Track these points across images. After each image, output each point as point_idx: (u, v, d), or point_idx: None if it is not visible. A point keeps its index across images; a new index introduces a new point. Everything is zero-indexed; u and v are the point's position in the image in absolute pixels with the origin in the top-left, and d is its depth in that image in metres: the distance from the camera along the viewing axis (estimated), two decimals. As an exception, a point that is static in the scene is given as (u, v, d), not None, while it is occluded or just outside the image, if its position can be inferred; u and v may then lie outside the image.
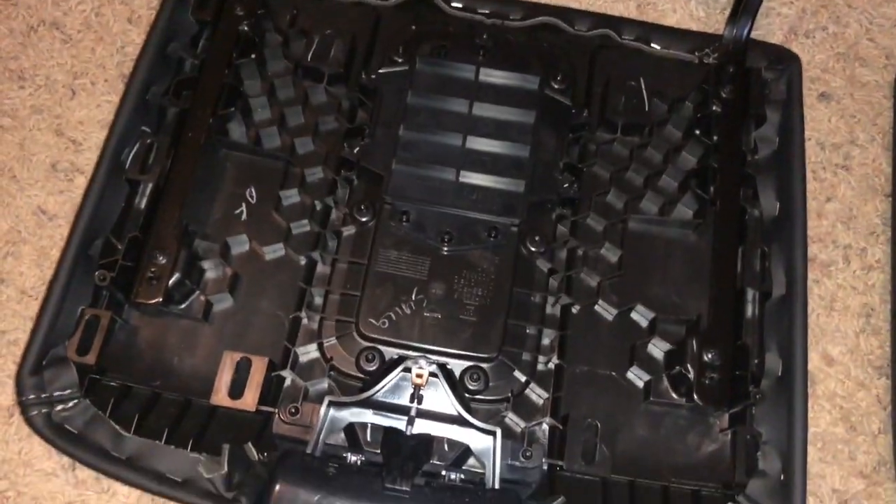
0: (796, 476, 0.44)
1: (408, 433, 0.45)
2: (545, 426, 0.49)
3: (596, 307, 0.52)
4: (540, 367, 0.51)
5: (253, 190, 0.55)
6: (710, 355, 0.48)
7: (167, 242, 0.49)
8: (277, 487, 0.40)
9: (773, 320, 0.50)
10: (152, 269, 0.49)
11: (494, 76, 0.56)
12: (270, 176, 0.55)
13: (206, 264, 0.52)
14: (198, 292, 0.51)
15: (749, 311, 0.51)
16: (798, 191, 0.52)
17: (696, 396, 0.47)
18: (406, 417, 0.45)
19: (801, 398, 0.46)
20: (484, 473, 0.44)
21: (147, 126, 0.55)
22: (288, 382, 0.50)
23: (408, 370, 0.46)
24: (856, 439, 0.52)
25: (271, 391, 0.49)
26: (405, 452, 0.43)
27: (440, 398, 0.46)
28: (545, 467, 0.47)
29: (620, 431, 0.49)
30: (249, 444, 0.44)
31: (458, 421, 0.45)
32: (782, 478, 0.45)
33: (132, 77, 0.56)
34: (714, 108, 0.55)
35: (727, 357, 0.48)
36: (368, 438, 0.46)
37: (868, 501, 0.50)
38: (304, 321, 0.51)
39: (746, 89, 0.56)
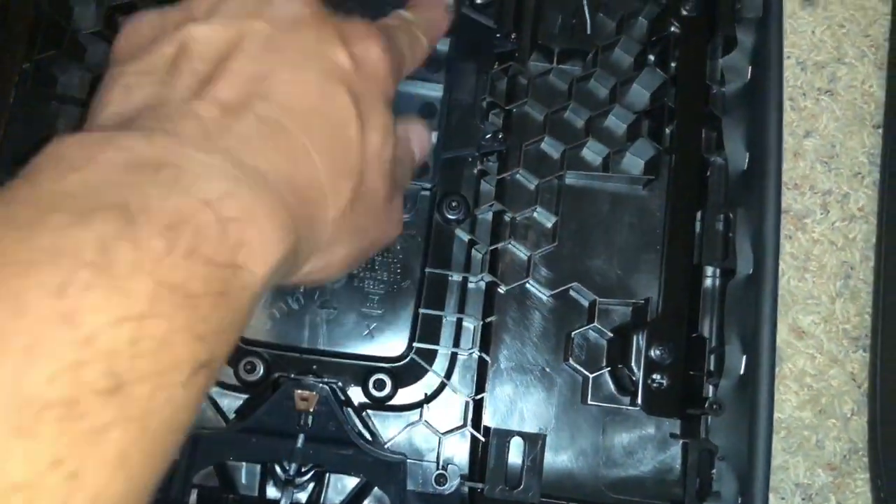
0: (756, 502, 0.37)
1: (290, 472, 0.37)
2: (467, 433, 0.42)
3: (527, 286, 0.44)
4: (462, 357, 0.43)
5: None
6: (658, 351, 0.40)
7: None
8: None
9: (735, 303, 0.41)
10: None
11: (396, -10, 0.44)
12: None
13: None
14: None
15: (708, 290, 0.42)
16: (773, 138, 0.42)
17: (640, 403, 0.39)
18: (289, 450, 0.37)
19: (765, 407, 0.38)
20: (389, 506, 0.37)
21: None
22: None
23: (290, 398, 0.37)
24: (825, 424, 0.45)
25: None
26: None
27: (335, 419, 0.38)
28: (465, 490, 0.40)
29: (553, 439, 0.42)
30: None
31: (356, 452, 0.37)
32: (739, 501, 0.38)
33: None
34: (672, 28, 0.44)
35: (679, 354, 0.39)
36: (244, 480, 0.38)
37: (836, 495, 0.44)
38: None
39: (713, 4, 0.44)
